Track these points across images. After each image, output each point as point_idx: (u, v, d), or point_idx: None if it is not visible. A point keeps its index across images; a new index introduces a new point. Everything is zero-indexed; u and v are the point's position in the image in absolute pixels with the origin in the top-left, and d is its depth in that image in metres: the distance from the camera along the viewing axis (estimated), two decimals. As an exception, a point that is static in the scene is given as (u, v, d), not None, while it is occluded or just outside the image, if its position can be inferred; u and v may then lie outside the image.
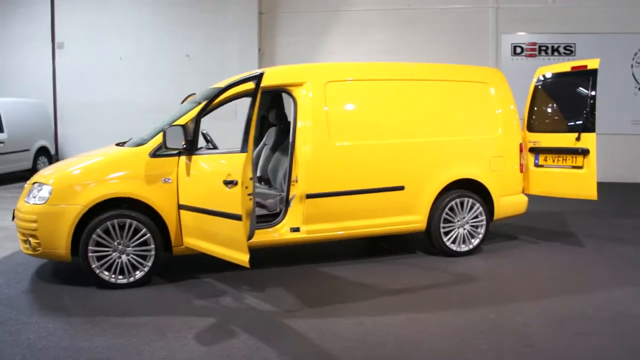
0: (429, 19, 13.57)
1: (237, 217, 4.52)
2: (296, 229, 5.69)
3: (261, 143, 7.29)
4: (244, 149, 4.62)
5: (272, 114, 6.96)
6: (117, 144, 6.02)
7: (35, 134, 13.34)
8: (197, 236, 5.16)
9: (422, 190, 6.17)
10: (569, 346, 4.06)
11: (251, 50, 13.94)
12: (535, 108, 7.07)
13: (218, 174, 4.81)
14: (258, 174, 7.08)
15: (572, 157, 6.58)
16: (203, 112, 5.30)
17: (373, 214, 5.99)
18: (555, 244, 7.04)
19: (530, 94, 7.08)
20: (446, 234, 6.30)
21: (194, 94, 6.61)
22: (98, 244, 5.13)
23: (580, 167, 6.52)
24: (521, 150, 6.70)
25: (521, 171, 6.72)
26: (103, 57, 14.29)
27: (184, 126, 5.18)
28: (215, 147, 6.08)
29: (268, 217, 5.83)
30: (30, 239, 5.21)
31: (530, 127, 6.97)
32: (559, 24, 13.19)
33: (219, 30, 14.06)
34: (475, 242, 6.40)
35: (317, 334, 4.22)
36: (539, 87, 7.08)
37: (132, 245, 5.21)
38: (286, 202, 5.74)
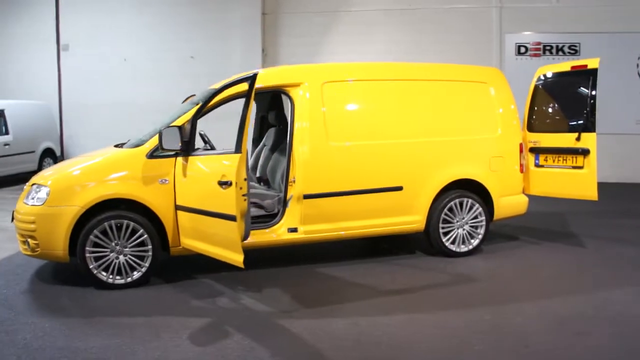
0: (431, 19, 13.51)
1: (232, 218, 4.53)
2: (294, 230, 5.69)
3: (261, 144, 7.30)
4: (238, 150, 4.63)
5: (271, 114, 6.96)
6: (116, 145, 6.05)
7: (40, 135, 13.42)
8: (194, 237, 5.17)
9: (421, 190, 6.15)
10: (569, 346, 4.04)
11: (255, 51, 13.94)
12: (536, 108, 7.03)
13: (213, 175, 4.82)
14: (257, 174, 7.10)
15: (573, 157, 6.55)
16: (199, 114, 5.33)
17: (371, 215, 5.97)
18: (556, 244, 6.99)
19: (531, 93, 7.04)
20: (445, 234, 6.27)
21: (194, 95, 6.63)
22: (96, 245, 5.15)
23: (580, 167, 6.49)
24: (521, 150, 6.67)
25: (521, 171, 6.68)
26: (107, 58, 14.32)
27: (180, 127, 5.19)
28: (213, 148, 6.08)
29: (266, 217, 5.83)
30: (29, 239, 5.25)
31: (531, 127, 6.93)
32: (563, 23, 13.09)
33: (222, 31, 14.06)
34: (475, 242, 6.37)
35: (312, 334, 4.22)
36: (539, 86, 7.03)
37: (129, 245, 5.24)
38: (284, 202, 5.74)
